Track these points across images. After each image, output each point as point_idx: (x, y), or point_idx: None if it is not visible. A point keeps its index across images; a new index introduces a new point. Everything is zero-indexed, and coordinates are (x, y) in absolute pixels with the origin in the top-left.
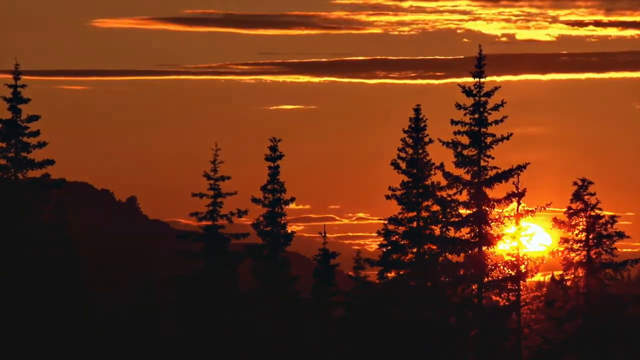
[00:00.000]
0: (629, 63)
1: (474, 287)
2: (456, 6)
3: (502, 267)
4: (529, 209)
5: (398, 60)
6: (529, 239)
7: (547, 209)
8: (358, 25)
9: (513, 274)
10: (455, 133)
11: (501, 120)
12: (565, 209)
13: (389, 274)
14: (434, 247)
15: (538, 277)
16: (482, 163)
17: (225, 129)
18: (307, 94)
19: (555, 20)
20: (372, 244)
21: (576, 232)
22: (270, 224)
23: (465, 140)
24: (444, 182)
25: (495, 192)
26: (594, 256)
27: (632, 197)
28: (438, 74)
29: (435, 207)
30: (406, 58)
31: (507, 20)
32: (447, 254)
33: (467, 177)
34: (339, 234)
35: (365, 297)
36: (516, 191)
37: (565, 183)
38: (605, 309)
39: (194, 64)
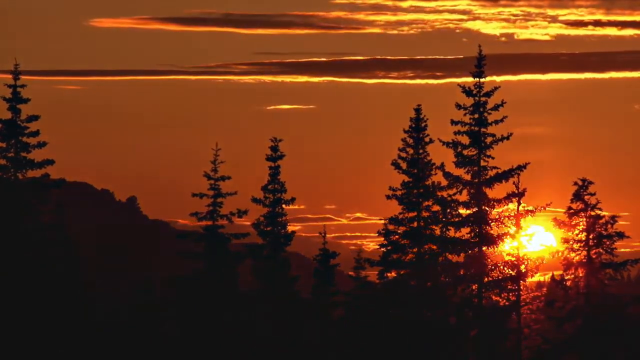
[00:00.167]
0: (628, 63)
1: (474, 287)
2: (455, 6)
3: (502, 267)
4: (529, 209)
5: (397, 60)
6: (529, 239)
7: (547, 209)
8: (357, 25)
9: (513, 274)
10: (455, 133)
11: (501, 120)
12: (565, 209)
13: (389, 274)
14: (434, 247)
15: (538, 277)
16: (482, 163)
17: (225, 129)
18: (306, 94)
19: (554, 20)
20: (370, 244)
21: (576, 232)
22: (270, 224)
23: (465, 140)
24: (444, 182)
25: (496, 192)
26: (594, 256)
27: (632, 197)
28: (437, 73)
29: (436, 207)
30: (405, 58)
31: (507, 20)
32: (447, 254)
33: (467, 177)
34: (336, 234)
35: (365, 297)
36: (516, 191)
37: (565, 183)
38: (605, 309)
39: (193, 64)
